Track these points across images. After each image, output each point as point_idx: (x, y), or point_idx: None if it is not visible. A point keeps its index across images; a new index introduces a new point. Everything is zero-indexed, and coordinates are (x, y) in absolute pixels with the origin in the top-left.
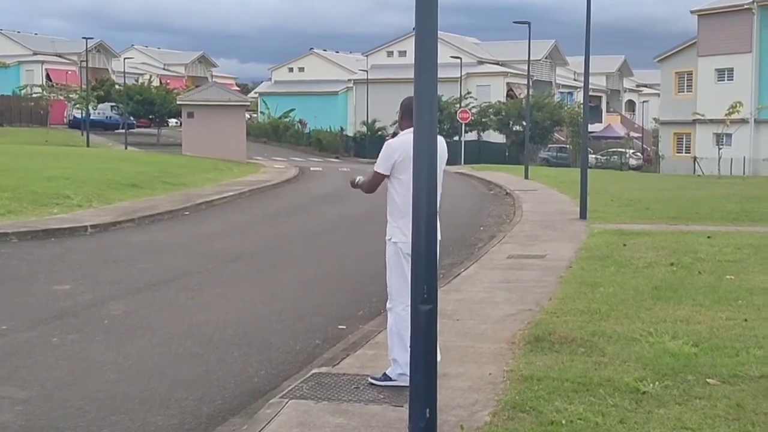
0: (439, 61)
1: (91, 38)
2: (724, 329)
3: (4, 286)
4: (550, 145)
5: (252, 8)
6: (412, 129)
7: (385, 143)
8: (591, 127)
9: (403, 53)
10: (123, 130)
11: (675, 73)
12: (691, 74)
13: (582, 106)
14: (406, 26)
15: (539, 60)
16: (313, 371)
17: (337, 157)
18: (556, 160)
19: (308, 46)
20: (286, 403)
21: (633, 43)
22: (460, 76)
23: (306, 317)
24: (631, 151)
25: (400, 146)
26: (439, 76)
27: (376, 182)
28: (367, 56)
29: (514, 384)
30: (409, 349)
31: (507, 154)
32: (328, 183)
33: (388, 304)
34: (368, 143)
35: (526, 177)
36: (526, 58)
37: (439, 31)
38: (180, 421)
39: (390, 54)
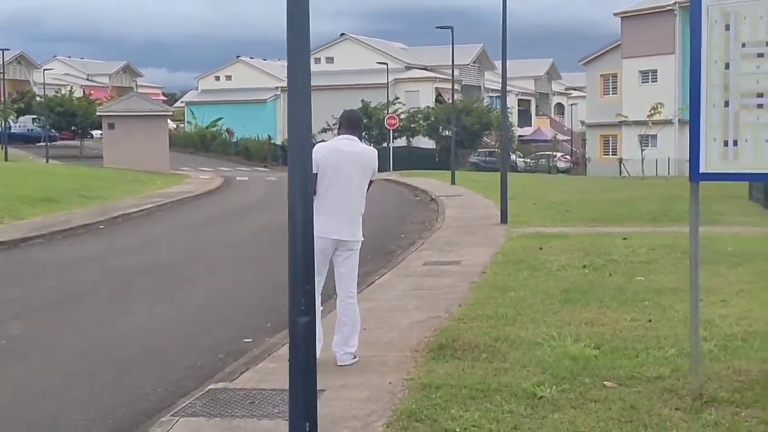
0: (365, 67)
1: (8, 49)
2: (627, 330)
3: None
4: (479, 150)
5: (181, 16)
6: (346, 136)
7: (315, 145)
8: (520, 131)
9: (330, 60)
10: (45, 143)
11: (600, 75)
12: (616, 76)
13: (507, 110)
14: (334, 33)
15: (467, 65)
16: (209, 387)
17: (265, 166)
18: (485, 164)
19: (236, 54)
20: (177, 420)
21: (561, 46)
22: (387, 82)
23: (212, 331)
24: (560, 154)
25: (324, 148)
26: (365, 82)
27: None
28: None
29: (412, 393)
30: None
31: (437, 159)
32: (252, 193)
33: None
34: None
35: (453, 182)
36: (456, 63)
37: (364, 37)
38: None
39: (318, 61)
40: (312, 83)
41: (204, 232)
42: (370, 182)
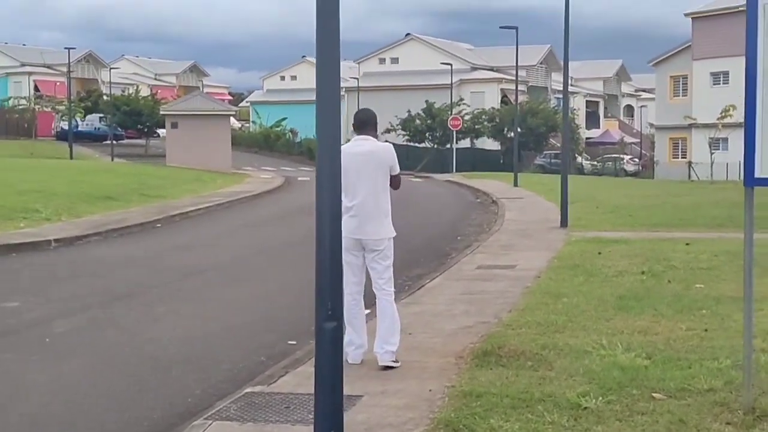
0: (429, 68)
1: (74, 48)
2: (681, 340)
3: None
4: (545, 152)
5: (250, 16)
6: (362, 136)
7: None
8: (588, 133)
9: (395, 60)
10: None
11: (670, 77)
12: (687, 78)
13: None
14: (401, 33)
15: (534, 65)
16: (246, 390)
17: None
18: (551, 166)
19: (302, 54)
20: (210, 424)
21: (631, 47)
22: (451, 83)
23: (257, 333)
24: (628, 157)
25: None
26: (429, 83)
27: None
28: (359, 64)
29: (452, 401)
30: (353, 330)
31: (502, 161)
32: (311, 193)
33: None
34: None
35: (515, 185)
36: (522, 64)
37: (430, 37)
38: None
39: (382, 61)
40: (376, 84)
41: (259, 232)
42: (394, 177)
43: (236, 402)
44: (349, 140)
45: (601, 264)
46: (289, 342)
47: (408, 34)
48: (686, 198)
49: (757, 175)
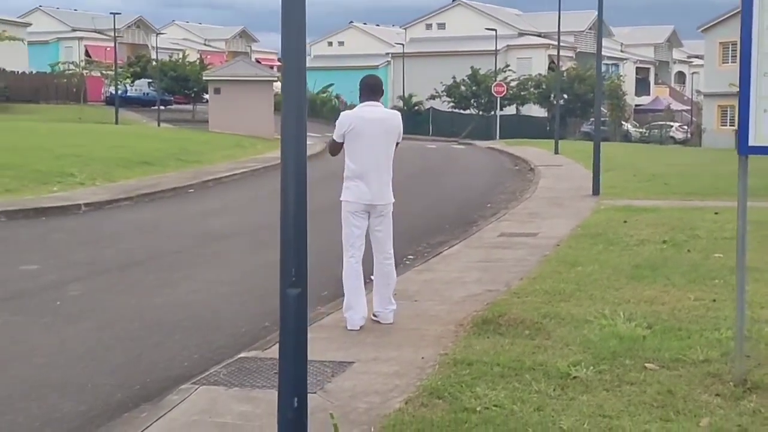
0: (476, 34)
1: (119, 13)
2: (686, 310)
3: None
4: (592, 119)
5: None
6: (370, 102)
7: (341, 114)
8: (638, 100)
9: (442, 26)
10: (160, 107)
11: (719, 43)
12: (736, 44)
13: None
14: None
15: (582, 31)
16: (240, 355)
17: None
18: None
19: (349, 20)
20: (196, 389)
21: (684, 12)
22: (495, 49)
23: (265, 298)
24: (677, 124)
25: (350, 118)
26: (474, 48)
27: (334, 147)
28: (405, 29)
29: (442, 368)
30: (356, 295)
31: (548, 128)
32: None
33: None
34: (405, 118)
35: (556, 152)
36: (570, 30)
37: (477, 3)
38: (89, 407)
39: (429, 27)
40: (423, 50)
41: None
42: (397, 144)
43: (227, 367)
44: (353, 105)
45: (624, 233)
46: None
47: (455, 0)
48: (726, 167)
49: (751, 143)
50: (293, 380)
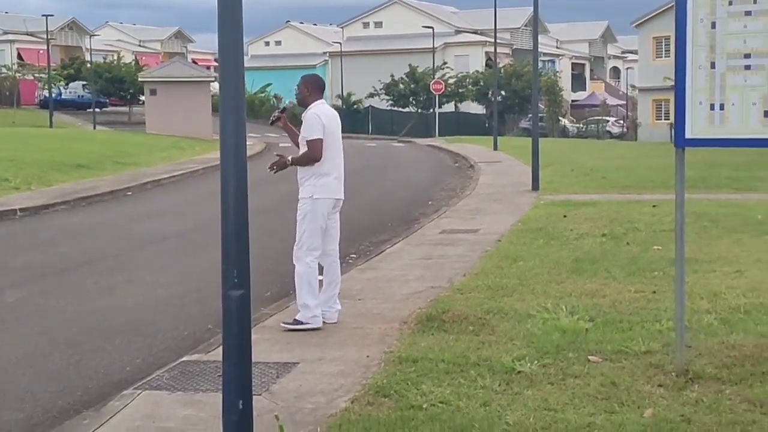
0: (412, 32)
1: (51, 15)
2: (627, 302)
3: None
4: (530, 115)
5: None
6: (322, 100)
7: (311, 113)
8: (574, 95)
9: (379, 24)
10: (96, 110)
11: (653, 38)
12: (669, 39)
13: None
14: None
15: (519, 28)
16: (183, 359)
17: None
18: None
19: (286, 19)
20: (138, 394)
21: (617, 8)
22: (433, 47)
23: (207, 300)
24: (613, 119)
25: (320, 116)
26: (412, 46)
27: (319, 147)
28: (343, 28)
29: (387, 367)
30: (317, 294)
31: (486, 125)
32: None
33: (297, 254)
34: (344, 117)
35: (495, 148)
36: (506, 27)
37: (414, 1)
38: (28, 415)
39: (366, 25)
40: (360, 48)
41: None
42: None
43: (170, 371)
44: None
45: (563, 227)
46: None
47: None
48: (662, 159)
49: (687, 136)
50: (238, 382)
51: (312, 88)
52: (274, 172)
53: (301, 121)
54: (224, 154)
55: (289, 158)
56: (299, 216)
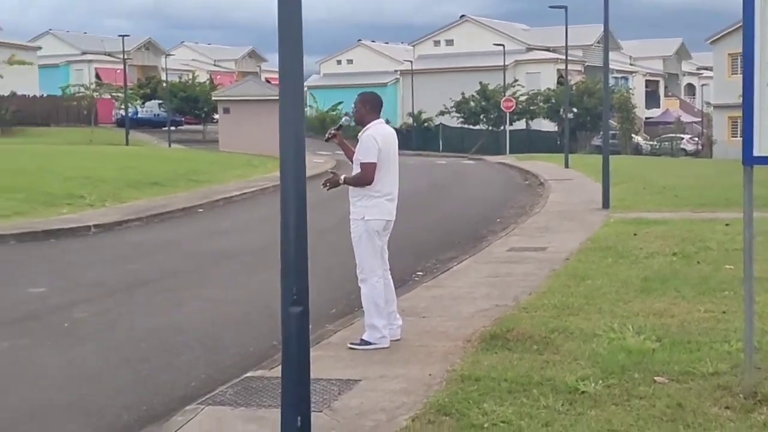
0: (483, 49)
1: (128, 35)
2: (696, 323)
3: None
4: (602, 132)
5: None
6: (380, 120)
7: (367, 135)
8: (648, 113)
9: (450, 42)
10: (171, 128)
11: (728, 54)
12: None
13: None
14: (455, 15)
15: (591, 45)
16: (247, 375)
17: None
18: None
19: (357, 38)
20: (201, 409)
21: (692, 25)
22: (504, 64)
23: (275, 317)
24: (688, 136)
25: (378, 137)
26: (484, 64)
27: (372, 171)
28: (414, 46)
29: (449, 385)
30: (384, 315)
31: (558, 142)
32: None
33: (360, 276)
34: (414, 135)
35: (566, 166)
36: (579, 44)
37: (485, 18)
38: (94, 429)
39: (437, 43)
40: (431, 66)
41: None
42: None
43: (234, 386)
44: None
45: (633, 245)
46: None
47: (463, 16)
48: (737, 177)
49: (755, 153)
50: (296, 399)
51: (370, 106)
52: (327, 189)
53: (358, 140)
54: (284, 173)
55: (342, 177)
56: (354, 238)
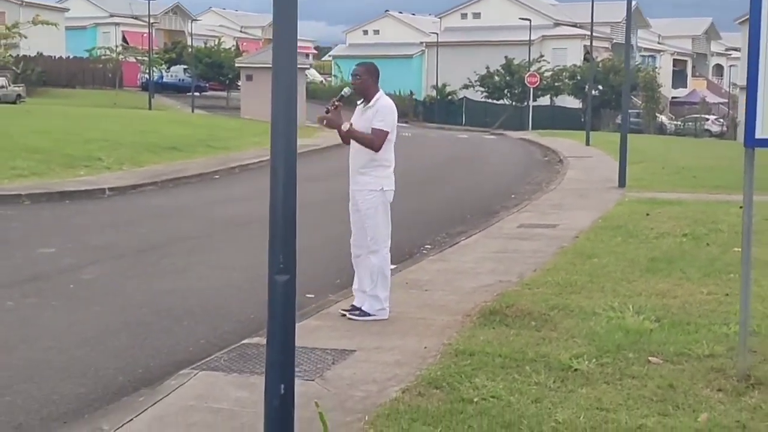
0: (509, 23)
1: None
2: (697, 304)
3: None
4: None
5: None
6: (381, 91)
7: (389, 105)
8: (674, 92)
9: (477, 15)
10: (195, 93)
11: None
12: None
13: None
14: None
15: (619, 22)
16: (244, 341)
17: (405, 122)
18: (631, 125)
19: (385, 9)
20: (195, 374)
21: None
22: (530, 39)
23: None
24: (713, 117)
25: (394, 107)
26: (509, 38)
27: (384, 138)
28: (441, 18)
29: (443, 358)
30: (388, 285)
31: (582, 119)
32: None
33: (373, 246)
34: (437, 108)
35: (588, 144)
36: (606, 20)
37: None
38: (88, 390)
39: (464, 16)
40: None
41: (313, 186)
42: None
43: (229, 353)
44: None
45: (644, 225)
46: (307, 295)
47: None
48: (760, 159)
49: (757, 135)
50: (280, 367)
51: (375, 77)
52: (323, 124)
53: (361, 110)
54: (275, 143)
55: (348, 124)
56: (369, 208)
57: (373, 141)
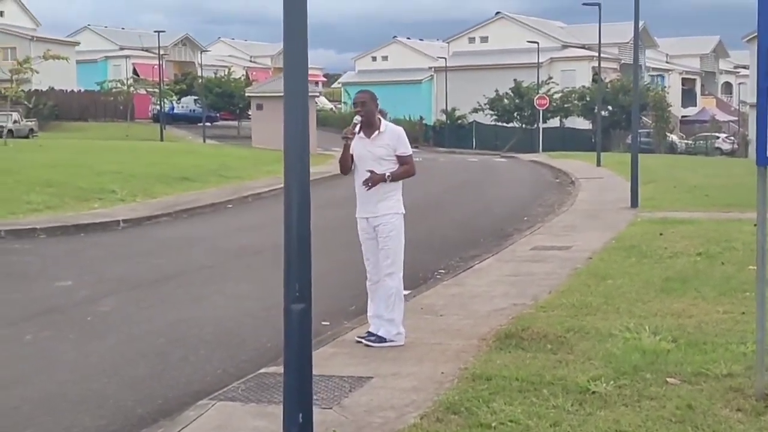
0: (517, 46)
1: (163, 31)
2: (714, 324)
3: (6, 282)
4: (639, 130)
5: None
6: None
7: (400, 130)
8: (684, 111)
9: (485, 39)
10: (206, 124)
11: None
12: None
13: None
14: (490, 11)
15: (627, 42)
16: (261, 371)
17: (416, 147)
18: (641, 145)
19: (393, 35)
20: (213, 404)
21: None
22: (538, 62)
23: None
24: (724, 135)
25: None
26: (518, 61)
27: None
28: (448, 43)
29: (460, 383)
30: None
31: (593, 140)
32: None
33: (391, 269)
34: (447, 132)
35: (598, 164)
36: (614, 41)
37: (521, 16)
38: (108, 422)
39: (472, 40)
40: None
41: (325, 212)
42: None
43: (246, 382)
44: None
45: (658, 245)
46: (323, 322)
47: (498, 13)
48: None
49: None
50: (298, 395)
51: (377, 103)
52: (368, 189)
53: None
54: (289, 171)
55: (388, 173)
56: (392, 231)
57: (408, 170)
